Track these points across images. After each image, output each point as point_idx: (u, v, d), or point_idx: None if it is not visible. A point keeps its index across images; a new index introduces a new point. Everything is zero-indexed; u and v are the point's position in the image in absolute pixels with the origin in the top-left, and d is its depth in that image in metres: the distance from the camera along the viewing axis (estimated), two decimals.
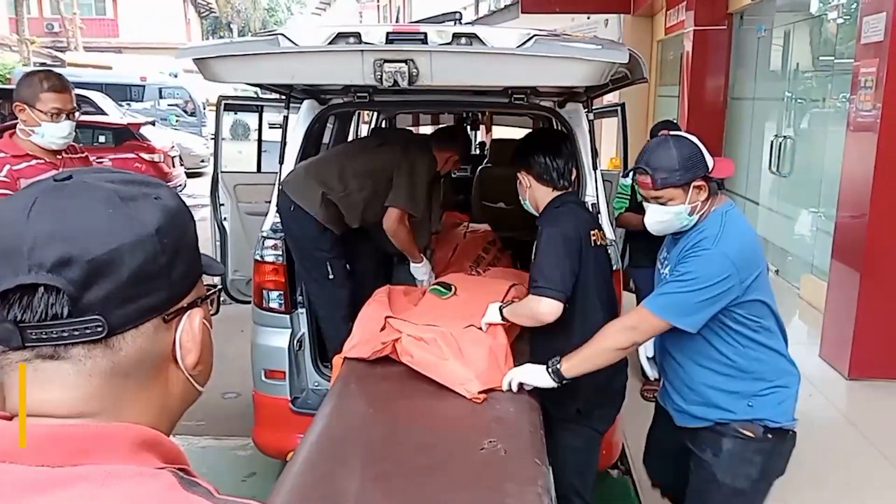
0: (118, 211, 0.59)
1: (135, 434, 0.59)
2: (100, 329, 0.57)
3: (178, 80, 18.35)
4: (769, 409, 1.98)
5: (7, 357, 0.58)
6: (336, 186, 2.98)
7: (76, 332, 0.57)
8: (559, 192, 2.35)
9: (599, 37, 5.52)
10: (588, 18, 12.81)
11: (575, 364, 2.05)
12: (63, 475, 0.54)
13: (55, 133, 2.46)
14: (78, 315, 0.56)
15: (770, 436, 1.99)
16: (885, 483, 3.14)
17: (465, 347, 2.30)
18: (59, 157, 2.54)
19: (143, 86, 17.65)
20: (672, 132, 2.08)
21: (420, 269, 3.26)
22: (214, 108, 4.44)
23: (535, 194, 2.38)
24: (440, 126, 4.15)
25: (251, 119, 5.51)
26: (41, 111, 2.42)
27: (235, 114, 6.98)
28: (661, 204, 1.98)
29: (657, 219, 2.02)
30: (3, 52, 21.44)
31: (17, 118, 2.48)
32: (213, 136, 5.05)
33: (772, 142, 6.59)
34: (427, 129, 8.40)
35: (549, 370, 2.07)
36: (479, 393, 2.17)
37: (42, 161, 2.47)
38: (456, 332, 2.36)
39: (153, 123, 12.48)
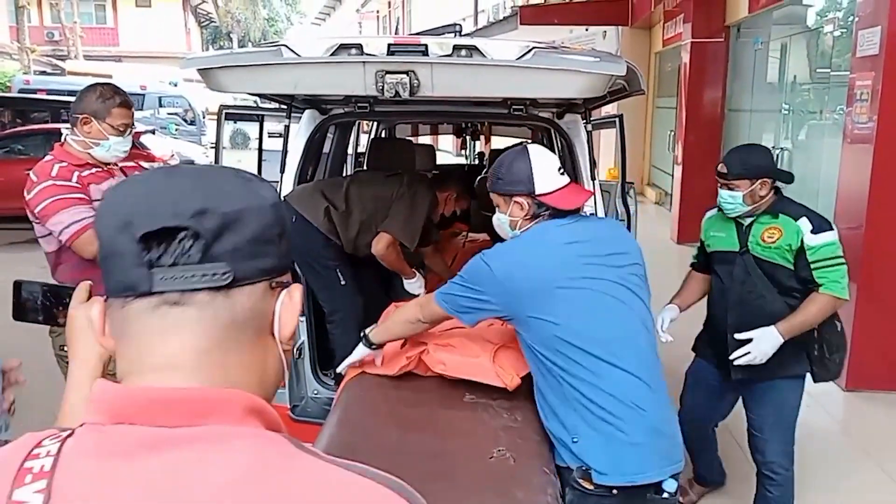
0: (245, 182, 0.67)
1: (245, 400, 0.62)
2: (226, 275, 0.62)
3: (178, 89, 18.36)
4: (592, 450, 1.70)
5: (130, 306, 0.62)
6: (339, 204, 3.02)
7: (205, 277, 0.61)
8: None
9: (597, 49, 5.56)
10: (586, 30, 12.92)
11: (379, 332, 2.20)
12: (181, 435, 0.57)
13: (120, 147, 2.49)
14: (208, 262, 0.61)
15: (615, 492, 1.68)
16: (881, 494, 3.14)
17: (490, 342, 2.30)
18: (113, 166, 2.58)
19: (143, 94, 17.62)
20: (530, 144, 2.00)
21: (414, 285, 3.28)
22: (214, 116, 4.46)
23: None
24: (437, 171, 4.11)
25: (251, 128, 5.53)
26: (111, 125, 2.44)
27: (235, 123, 7.00)
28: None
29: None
30: (4, 61, 21.49)
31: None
32: (212, 145, 5.06)
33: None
34: (426, 140, 8.47)
35: (363, 338, 2.20)
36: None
37: (101, 169, 2.51)
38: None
39: (153, 132, 12.47)
